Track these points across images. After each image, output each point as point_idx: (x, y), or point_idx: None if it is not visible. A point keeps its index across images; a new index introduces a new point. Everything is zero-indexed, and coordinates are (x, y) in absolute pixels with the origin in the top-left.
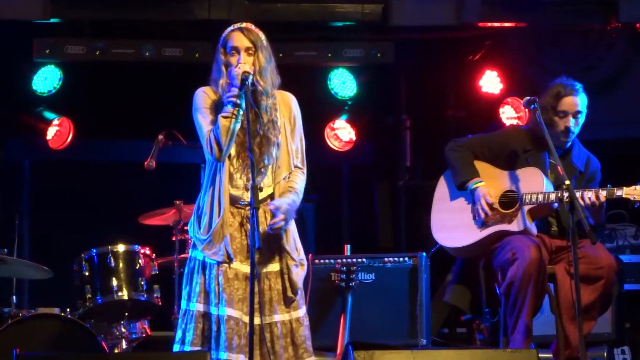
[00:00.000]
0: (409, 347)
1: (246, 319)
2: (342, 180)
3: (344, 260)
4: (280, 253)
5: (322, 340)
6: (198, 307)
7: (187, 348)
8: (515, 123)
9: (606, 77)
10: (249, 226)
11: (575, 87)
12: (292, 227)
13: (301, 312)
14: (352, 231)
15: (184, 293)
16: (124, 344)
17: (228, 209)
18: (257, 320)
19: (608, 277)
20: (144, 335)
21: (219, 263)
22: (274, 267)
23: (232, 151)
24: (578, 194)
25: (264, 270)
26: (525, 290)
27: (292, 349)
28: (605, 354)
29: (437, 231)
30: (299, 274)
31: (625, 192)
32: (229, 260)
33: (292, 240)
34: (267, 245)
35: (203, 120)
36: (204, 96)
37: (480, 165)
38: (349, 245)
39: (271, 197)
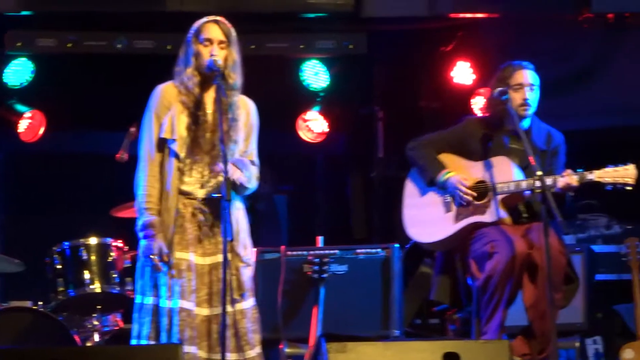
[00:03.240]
0: (381, 339)
1: (198, 310)
2: (314, 171)
3: (317, 251)
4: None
5: (294, 332)
6: (151, 300)
7: (144, 342)
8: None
9: (580, 68)
10: (200, 217)
11: (523, 63)
12: (242, 224)
13: (246, 304)
14: (325, 223)
15: (137, 287)
16: (96, 337)
17: (174, 209)
18: (206, 311)
19: (552, 259)
20: (116, 328)
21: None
22: (222, 257)
23: (184, 147)
24: (551, 181)
25: (214, 261)
26: (504, 285)
27: (235, 340)
28: (577, 344)
29: (410, 227)
30: (247, 275)
31: (597, 175)
32: (168, 262)
33: (242, 239)
34: (215, 236)
35: (147, 128)
36: (160, 99)
37: (446, 158)
38: (321, 237)
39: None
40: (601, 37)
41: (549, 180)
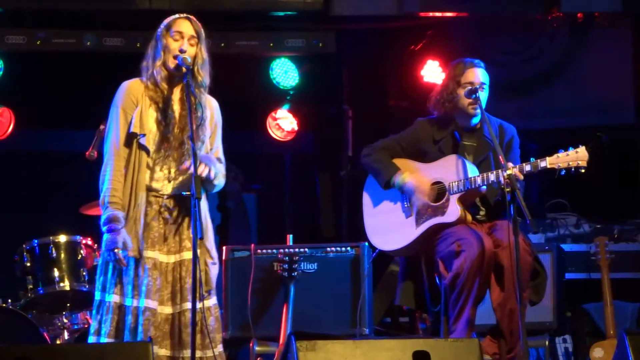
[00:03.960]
0: (351, 337)
1: (162, 309)
2: (284, 170)
3: (287, 250)
4: (198, 244)
5: (264, 330)
6: (114, 298)
7: (103, 340)
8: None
9: (548, 67)
10: (166, 215)
11: (474, 61)
12: (209, 223)
13: (211, 301)
14: (295, 221)
15: (98, 284)
16: (65, 335)
17: (143, 205)
18: (169, 309)
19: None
20: (85, 325)
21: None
22: (187, 254)
23: (153, 142)
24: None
25: (178, 259)
26: (472, 282)
27: (200, 338)
28: (546, 343)
29: (372, 237)
30: (214, 272)
31: (549, 161)
32: (140, 256)
33: (210, 237)
34: (179, 234)
35: (114, 123)
36: (126, 94)
37: (400, 162)
38: (291, 235)
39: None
40: (570, 36)
41: (492, 176)
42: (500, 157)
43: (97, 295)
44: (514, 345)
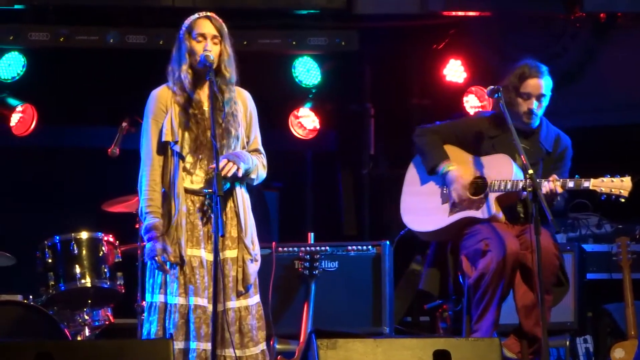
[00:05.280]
0: (372, 335)
1: (210, 306)
2: (306, 168)
3: (308, 248)
4: (238, 241)
5: (285, 328)
6: (161, 298)
7: None
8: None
9: (570, 66)
10: (209, 213)
11: (540, 69)
12: (250, 220)
13: (251, 300)
14: (316, 219)
15: (148, 286)
16: (86, 332)
17: (184, 209)
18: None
19: (544, 260)
20: (106, 322)
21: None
22: (232, 253)
23: (186, 146)
24: (543, 182)
25: (222, 257)
26: (497, 283)
27: (239, 337)
28: (567, 343)
29: (405, 214)
30: (253, 269)
31: (593, 184)
32: (182, 262)
33: (250, 234)
34: (227, 232)
35: (146, 134)
36: (156, 103)
37: (450, 150)
38: (312, 234)
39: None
40: (592, 35)
41: (543, 182)
42: (522, 156)
43: (148, 298)
44: (536, 344)
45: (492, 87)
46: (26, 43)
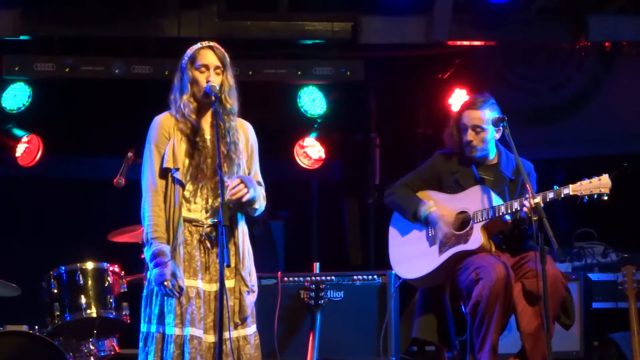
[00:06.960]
0: None
1: (206, 337)
2: (311, 198)
3: (313, 278)
4: (235, 272)
5: (291, 357)
6: (158, 329)
7: None
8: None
9: (575, 96)
10: (207, 244)
11: (478, 100)
12: (248, 249)
13: (249, 330)
14: (321, 249)
15: (143, 315)
16: None
17: (182, 237)
18: (212, 338)
19: (552, 288)
20: (112, 352)
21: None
22: (229, 283)
23: (188, 174)
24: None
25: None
26: (492, 309)
27: None
28: None
29: (397, 265)
30: (250, 300)
31: (572, 189)
32: (180, 290)
33: (248, 265)
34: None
35: (148, 160)
36: (158, 130)
37: (424, 195)
38: (318, 263)
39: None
40: (597, 64)
41: (515, 204)
42: (527, 185)
43: (143, 328)
44: None
45: (497, 116)
46: (32, 74)
